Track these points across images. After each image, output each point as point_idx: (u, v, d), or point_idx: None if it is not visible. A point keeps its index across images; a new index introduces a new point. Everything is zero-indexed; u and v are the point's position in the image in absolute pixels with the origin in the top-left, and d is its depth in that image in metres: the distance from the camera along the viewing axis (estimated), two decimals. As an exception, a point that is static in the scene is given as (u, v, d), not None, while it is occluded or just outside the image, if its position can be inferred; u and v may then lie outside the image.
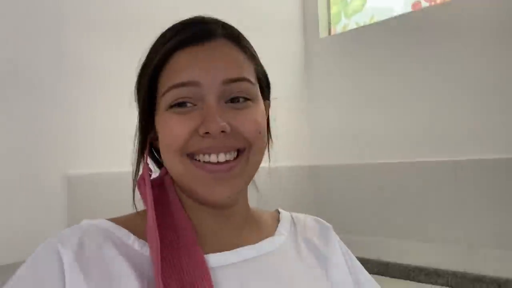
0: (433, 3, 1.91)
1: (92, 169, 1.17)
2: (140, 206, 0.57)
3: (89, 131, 1.20)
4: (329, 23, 2.34)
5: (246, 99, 0.53)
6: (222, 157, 0.51)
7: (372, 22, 2.11)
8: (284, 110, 2.28)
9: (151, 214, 0.50)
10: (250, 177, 0.56)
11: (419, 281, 1.83)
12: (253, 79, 0.55)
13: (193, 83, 0.50)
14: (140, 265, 0.49)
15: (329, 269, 0.62)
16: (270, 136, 0.62)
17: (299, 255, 0.61)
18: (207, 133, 0.49)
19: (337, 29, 2.31)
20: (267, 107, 0.62)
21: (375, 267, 1.94)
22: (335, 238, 0.68)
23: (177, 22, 0.57)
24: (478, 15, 1.72)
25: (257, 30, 2.03)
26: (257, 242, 0.58)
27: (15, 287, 0.46)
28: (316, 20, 2.30)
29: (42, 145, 1.17)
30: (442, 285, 1.76)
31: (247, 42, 0.59)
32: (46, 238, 0.51)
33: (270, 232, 0.62)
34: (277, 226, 0.64)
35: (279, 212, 0.68)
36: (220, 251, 0.54)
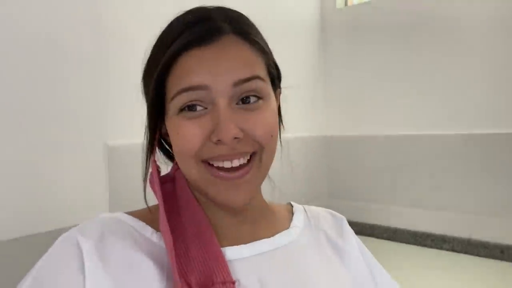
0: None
1: (131, 140, 1.20)
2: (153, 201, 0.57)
3: (129, 102, 1.24)
4: (347, -6, 2.34)
5: (258, 97, 0.51)
6: (236, 162, 0.51)
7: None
8: (300, 80, 2.33)
9: (162, 212, 0.50)
10: (263, 178, 0.55)
11: (425, 245, 1.94)
12: (263, 75, 0.53)
13: (202, 87, 0.49)
14: (159, 256, 0.50)
15: (346, 260, 0.61)
16: (282, 123, 0.60)
17: (315, 247, 0.60)
18: (219, 140, 0.48)
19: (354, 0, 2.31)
20: (278, 95, 0.59)
21: (384, 233, 2.05)
22: (349, 229, 0.66)
23: (179, 17, 0.53)
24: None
25: (270, 1, 2.05)
26: (272, 235, 0.58)
27: (35, 277, 0.47)
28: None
29: (83, 116, 1.20)
30: (447, 250, 1.86)
31: (256, 33, 0.55)
32: (67, 231, 0.51)
33: (285, 225, 0.61)
34: (291, 219, 0.63)
35: (292, 205, 0.67)
36: (236, 244, 0.54)
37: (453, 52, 1.88)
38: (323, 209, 0.69)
